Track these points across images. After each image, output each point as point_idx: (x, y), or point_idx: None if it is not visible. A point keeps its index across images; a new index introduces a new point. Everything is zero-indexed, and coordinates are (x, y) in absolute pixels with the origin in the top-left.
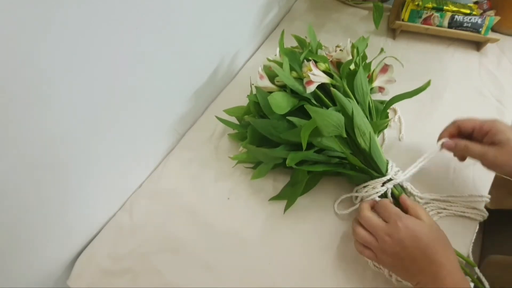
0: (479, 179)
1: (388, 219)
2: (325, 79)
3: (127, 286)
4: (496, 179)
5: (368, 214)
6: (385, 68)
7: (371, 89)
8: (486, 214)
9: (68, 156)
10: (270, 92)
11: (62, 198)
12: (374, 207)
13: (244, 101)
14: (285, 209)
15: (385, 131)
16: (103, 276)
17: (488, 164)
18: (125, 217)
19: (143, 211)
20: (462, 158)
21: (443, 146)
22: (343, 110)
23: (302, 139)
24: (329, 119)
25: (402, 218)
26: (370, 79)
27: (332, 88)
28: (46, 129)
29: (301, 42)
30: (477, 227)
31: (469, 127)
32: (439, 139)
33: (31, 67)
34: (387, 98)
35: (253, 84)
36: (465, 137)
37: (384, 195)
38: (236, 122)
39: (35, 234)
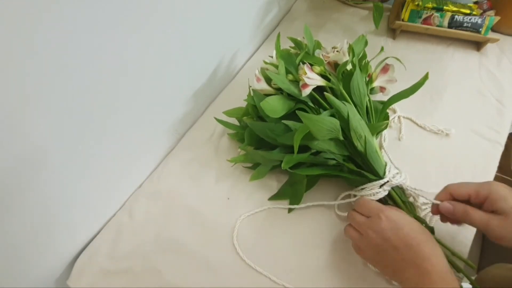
0: (479, 179)
1: (369, 213)
2: (321, 82)
3: (127, 286)
4: (495, 179)
5: (352, 212)
6: (385, 68)
7: (372, 89)
8: None
9: (68, 156)
10: (268, 95)
11: (62, 198)
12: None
13: (244, 101)
14: (289, 210)
15: (385, 131)
16: (103, 276)
17: (492, 235)
18: (125, 217)
19: (143, 211)
20: (459, 223)
21: (439, 209)
22: (339, 114)
23: (294, 144)
24: (322, 124)
25: (383, 210)
26: (371, 79)
27: (325, 93)
28: (43, 129)
29: (297, 43)
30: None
31: (464, 194)
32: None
33: (24, 65)
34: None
35: (250, 87)
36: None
37: (384, 199)
38: (236, 122)
39: (35, 234)
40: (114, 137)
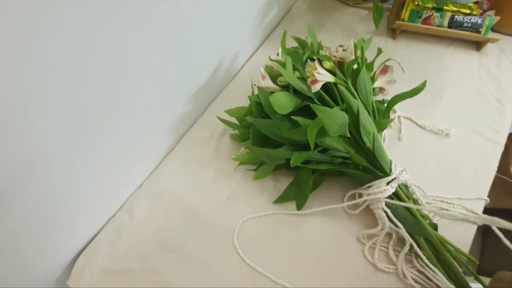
0: (479, 179)
1: None
2: (330, 78)
3: (127, 286)
4: (494, 180)
5: None
6: (385, 69)
7: (373, 90)
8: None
9: (68, 156)
10: (272, 92)
11: (62, 198)
12: None
13: (244, 101)
14: (298, 208)
15: (385, 131)
16: (103, 276)
17: None
18: (125, 217)
19: (143, 211)
20: None
21: None
22: (349, 109)
23: (309, 138)
24: (335, 118)
25: None
26: (372, 80)
27: (340, 86)
28: (44, 129)
29: (301, 43)
30: (476, 227)
31: None
32: None
33: (26, 67)
34: (387, 98)
35: (255, 85)
36: None
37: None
38: (237, 122)
39: (35, 234)
40: (115, 137)
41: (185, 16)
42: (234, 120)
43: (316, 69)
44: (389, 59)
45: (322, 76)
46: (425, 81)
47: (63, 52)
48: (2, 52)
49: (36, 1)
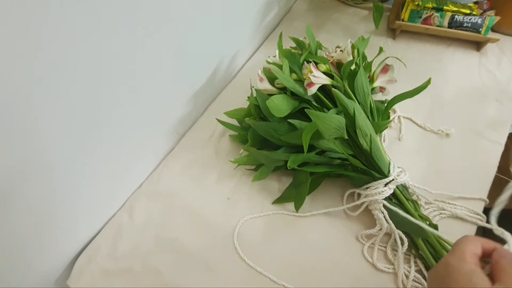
0: (479, 179)
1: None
2: (326, 80)
3: (127, 286)
4: (494, 180)
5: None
6: (386, 68)
7: (373, 89)
8: (484, 219)
9: (68, 156)
10: (270, 95)
11: (62, 198)
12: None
13: (244, 102)
14: (296, 210)
15: (385, 131)
16: (103, 276)
17: None
18: (125, 217)
19: (143, 211)
20: None
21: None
22: (345, 111)
23: (303, 142)
24: (330, 123)
25: None
26: (371, 80)
27: (333, 89)
28: (46, 129)
29: (299, 43)
30: (476, 227)
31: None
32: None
33: (24, 66)
34: (388, 98)
35: (253, 87)
36: None
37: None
38: (237, 123)
39: (35, 234)
40: (115, 137)
41: (185, 16)
42: (233, 121)
43: (312, 72)
44: (388, 57)
45: (317, 79)
46: (430, 79)
47: (64, 53)
48: (4, 53)
49: (40, 3)
